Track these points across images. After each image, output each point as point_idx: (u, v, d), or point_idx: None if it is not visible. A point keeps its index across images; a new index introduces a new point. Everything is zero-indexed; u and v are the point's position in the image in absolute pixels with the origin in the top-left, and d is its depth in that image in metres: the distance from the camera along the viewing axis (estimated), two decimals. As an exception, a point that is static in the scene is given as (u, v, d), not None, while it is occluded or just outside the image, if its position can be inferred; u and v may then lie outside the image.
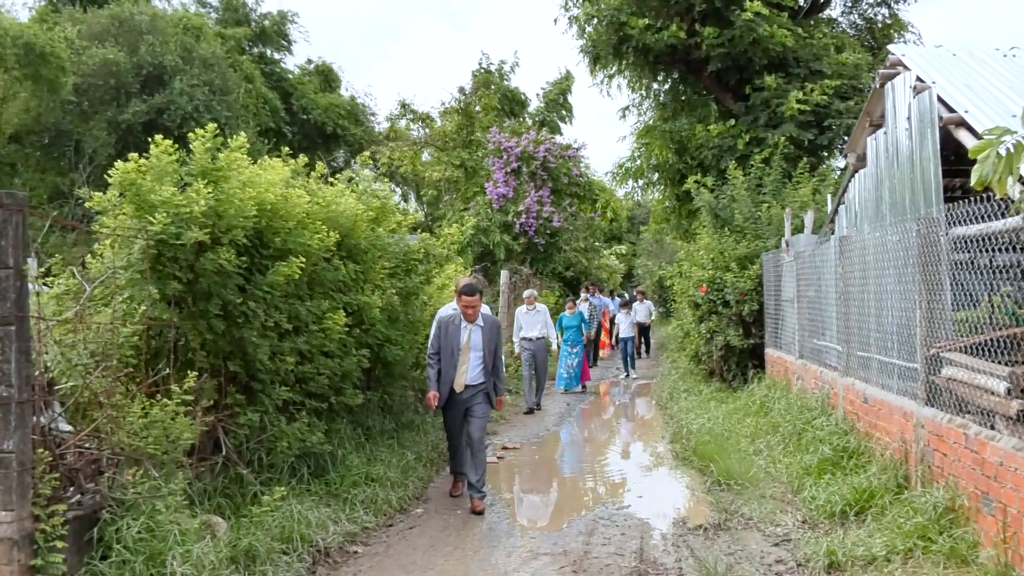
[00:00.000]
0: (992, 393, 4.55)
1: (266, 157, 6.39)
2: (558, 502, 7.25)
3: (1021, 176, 3.23)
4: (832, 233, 9.30)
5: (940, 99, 6.59)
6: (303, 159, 6.98)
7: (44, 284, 5.24)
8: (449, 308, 8.00)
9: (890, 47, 8.78)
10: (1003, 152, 3.19)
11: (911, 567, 4.56)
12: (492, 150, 20.33)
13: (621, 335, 16.83)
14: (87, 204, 5.19)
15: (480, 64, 24.86)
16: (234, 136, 5.85)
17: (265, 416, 5.70)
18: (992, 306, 5.08)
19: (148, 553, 4.08)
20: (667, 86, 20.50)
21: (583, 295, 16.91)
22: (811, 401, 8.51)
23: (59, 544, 3.78)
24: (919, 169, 6.89)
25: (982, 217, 4.81)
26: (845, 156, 10.53)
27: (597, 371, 18.19)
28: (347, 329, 6.56)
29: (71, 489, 4.20)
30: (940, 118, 6.46)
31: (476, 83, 23.66)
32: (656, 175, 21.00)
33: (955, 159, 6.84)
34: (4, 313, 3.77)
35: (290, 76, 33.05)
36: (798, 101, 15.85)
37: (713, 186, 14.32)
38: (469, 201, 20.81)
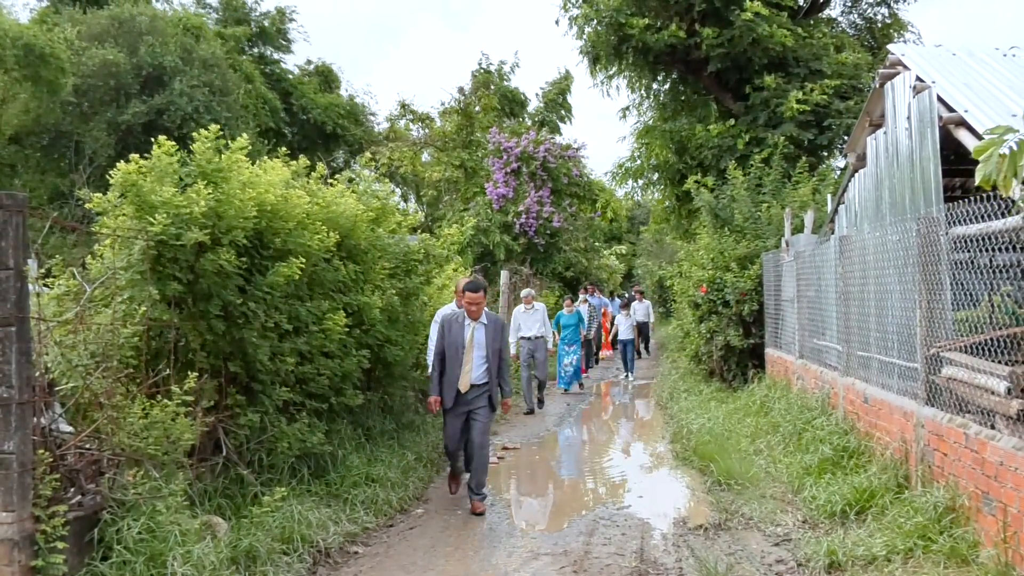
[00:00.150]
0: (992, 393, 4.55)
1: (265, 158, 6.39)
2: (558, 502, 7.26)
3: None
4: (832, 233, 9.30)
5: (940, 99, 6.59)
6: (303, 160, 6.98)
7: (44, 285, 5.24)
8: (448, 309, 8.00)
9: (890, 47, 8.78)
10: (1005, 151, 3.19)
11: (911, 567, 4.56)
12: (492, 150, 20.33)
13: (620, 336, 16.79)
14: (87, 205, 5.19)
15: (480, 64, 24.87)
16: (234, 137, 5.85)
17: (265, 417, 5.70)
18: (992, 306, 5.08)
19: (149, 554, 4.08)
20: (667, 86, 20.49)
21: (581, 296, 16.84)
22: (811, 401, 8.51)
23: (60, 545, 3.78)
24: (919, 169, 6.89)
25: (982, 217, 4.81)
26: (845, 156, 10.53)
27: (597, 371, 18.21)
28: (347, 330, 6.56)
29: (72, 490, 4.20)
30: (940, 118, 6.46)
31: (476, 83, 23.66)
32: (656, 175, 20.99)
33: (955, 159, 6.84)
34: (4, 314, 3.77)
35: (290, 76, 33.06)
36: (798, 101, 15.86)
37: (713, 186, 14.32)
38: (469, 201, 20.81)
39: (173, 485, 4.50)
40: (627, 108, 21.70)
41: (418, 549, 5.62)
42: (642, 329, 21.22)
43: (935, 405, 5.53)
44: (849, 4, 20.39)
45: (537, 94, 26.72)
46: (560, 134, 25.24)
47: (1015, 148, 3.11)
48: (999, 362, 4.65)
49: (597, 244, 24.64)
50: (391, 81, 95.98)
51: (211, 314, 5.24)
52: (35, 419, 4.04)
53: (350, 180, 8.34)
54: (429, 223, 21.65)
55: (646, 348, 21.52)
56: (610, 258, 30.43)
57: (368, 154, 24.24)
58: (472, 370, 6.56)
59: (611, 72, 19.57)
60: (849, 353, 7.69)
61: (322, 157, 27.12)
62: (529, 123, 24.53)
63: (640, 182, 21.80)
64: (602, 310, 19.43)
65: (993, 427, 4.67)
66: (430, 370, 6.89)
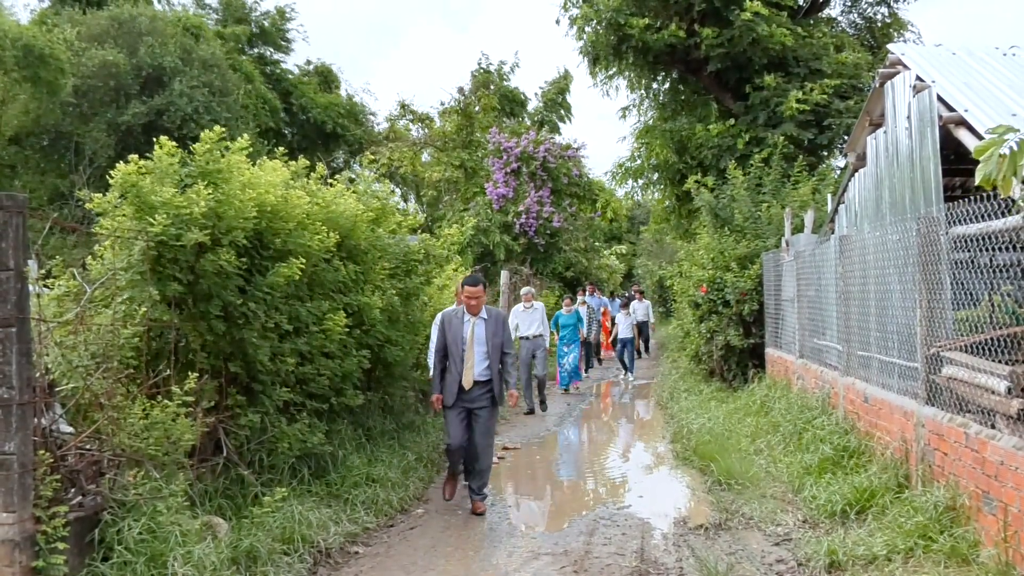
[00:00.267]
0: (992, 392, 4.55)
1: (265, 158, 6.39)
2: (559, 502, 7.26)
3: None
4: (832, 232, 9.30)
5: (940, 98, 6.59)
6: (303, 161, 6.98)
7: (45, 286, 5.24)
8: (449, 311, 7.99)
9: (890, 46, 8.78)
10: (1006, 151, 3.18)
11: (912, 566, 4.56)
12: (492, 150, 20.34)
13: (620, 335, 16.77)
14: (87, 206, 5.19)
15: (479, 64, 24.88)
16: (234, 137, 5.86)
17: (266, 417, 5.70)
18: (992, 305, 5.08)
19: (149, 554, 4.08)
20: (667, 86, 20.48)
21: (580, 297, 16.74)
22: (811, 401, 8.51)
23: (60, 545, 3.79)
24: (919, 168, 6.89)
25: (982, 216, 4.81)
26: (845, 155, 10.53)
27: (597, 371, 18.21)
28: (347, 330, 6.56)
29: (72, 491, 4.20)
30: (940, 117, 6.46)
31: (475, 83, 23.67)
32: (656, 175, 20.99)
33: (955, 158, 6.84)
34: (5, 315, 3.78)
35: (290, 76, 33.07)
36: (798, 100, 15.85)
37: (713, 186, 14.32)
38: (469, 201, 20.81)
39: (174, 485, 4.51)
40: (627, 108, 21.71)
41: (419, 549, 5.62)
42: (642, 329, 21.20)
43: (935, 405, 5.53)
44: (849, 4, 20.39)
45: (536, 94, 26.77)
46: (559, 134, 25.26)
47: (1015, 148, 3.11)
48: (999, 361, 4.65)
49: (597, 244, 24.64)
50: (391, 81, 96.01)
51: (211, 314, 5.24)
52: (36, 420, 4.04)
53: (350, 180, 8.34)
54: (429, 223, 21.63)
55: (646, 348, 21.52)
56: (610, 258, 30.41)
57: (368, 154, 24.22)
58: (475, 366, 6.47)
59: (611, 72, 19.56)
60: (849, 353, 7.69)
61: (322, 157, 27.14)
62: (528, 123, 24.53)
63: (640, 182, 21.80)
64: (602, 310, 19.42)
65: (993, 426, 4.67)
66: (431, 370, 6.82)
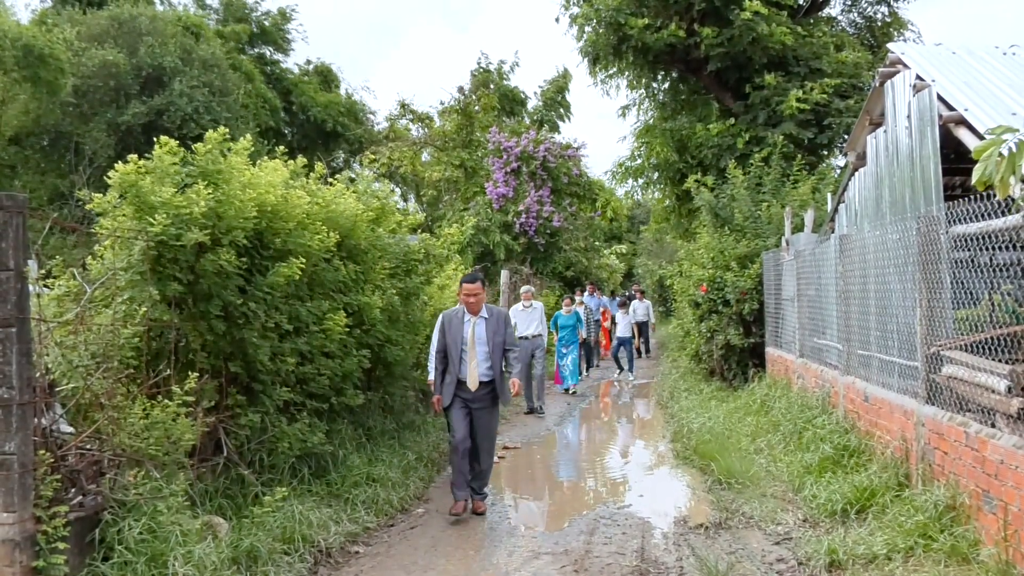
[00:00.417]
0: (993, 391, 4.55)
1: (265, 158, 6.39)
2: (559, 501, 7.26)
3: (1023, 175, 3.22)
4: (832, 232, 9.30)
5: (940, 97, 6.58)
6: (302, 160, 6.97)
7: (45, 286, 5.24)
8: (451, 310, 7.97)
9: (890, 45, 8.77)
10: (1005, 151, 3.18)
11: (912, 565, 4.56)
12: (492, 150, 20.34)
13: (618, 334, 16.73)
14: (87, 206, 5.19)
15: (479, 63, 24.89)
16: (235, 137, 5.86)
17: (266, 417, 5.70)
18: (992, 304, 5.08)
19: (150, 554, 4.09)
20: (666, 85, 20.50)
21: (578, 298, 16.60)
22: (812, 400, 8.51)
23: (61, 545, 3.79)
24: (919, 167, 6.89)
25: (982, 215, 4.81)
26: (845, 155, 10.53)
27: (597, 371, 18.20)
28: (347, 330, 6.56)
29: (72, 490, 4.20)
30: (940, 116, 6.46)
31: (475, 83, 23.67)
32: (656, 174, 20.99)
33: (955, 157, 6.84)
34: (5, 315, 3.78)
35: (290, 76, 33.08)
36: (798, 100, 15.85)
37: (713, 185, 14.31)
38: (469, 201, 20.82)
39: (174, 485, 4.51)
40: (627, 107, 21.73)
41: (419, 548, 5.62)
42: (642, 329, 21.18)
43: (935, 404, 5.53)
44: (849, 3, 20.39)
45: (536, 92, 26.76)
46: (559, 132, 25.28)
47: (1014, 149, 3.11)
48: (999, 360, 4.65)
49: (597, 243, 24.65)
50: (391, 81, 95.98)
51: (211, 314, 5.24)
52: (36, 420, 4.04)
53: (350, 180, 8.34)
54: (429, 223, 21.65)
55: (646, 349, 21.48)
56: (610, 257, 30.43)
57: (368, 154, 24.23)
58: (478, 366, 6.36)
59: (611, 72, 19.57)
60: (849, 352, 7.69)
61: (322, 157, 27.13)
62: (528, 122, 24.54)
63: (640, 181, 21.81)
64: (602, 311, 19.38)
65: (993, 425, 4.68)
66: (431, 373, 6.70)
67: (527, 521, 6.45)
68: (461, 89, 23.21)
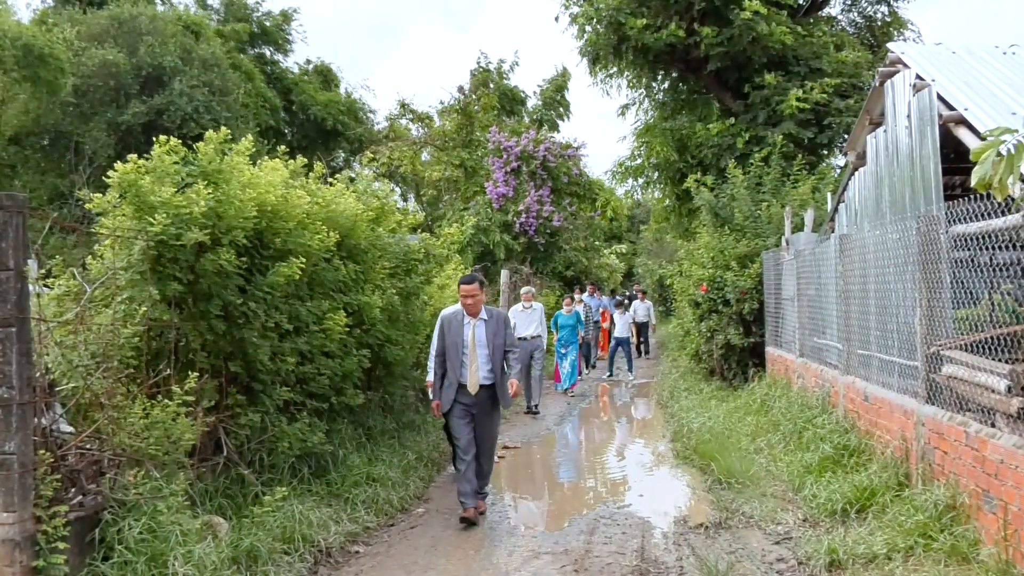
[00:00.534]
0: (992, 391, 4.55)
1: (266, 157, 6.39)
2: (559, 501, 7.26)
3: (1022, 174, 3.22)
4: (832, 231, 9.30)
5: (940, 97, 6.58)
6: (301, 160, 6.97)
7: (45, 285, 5.24)
8: (451, 309, 7.95)
9: (890, 45, 8.77)
10: (1004, 151, 3.18)
11: (912, 565, 4.56)
12: (492, 150, 20.33)
13: (616, 334, 16.66)
14: (87, 205, 5.19)
15: (478, 63, 24.88)
16: (235, 137, 5.86)
17: (266, 416, 5.70)
18: (992, 304, 5.08)
19: (150, 554, 4.09)
20: (666, 85, 20.49)
21: (578, 296, 16.53)
22: (812, 399, 8.51)
23: (61, 545, 3.79)
24: (919, 167, 6.89)
25: (982, 215, 4.81)
26: (845, 154, 10.53)
27: (596, 371, 18.18)
28: (347, 329, 6.56)
29: (72, 490, 4.20)
30: (940, 116, 6.46)
31: (475, 82, 23.66)
32: (656, 174, 20.99)
33: (955, 157, 6.84)
34: (5, 315, 3.78)
35: (290, 75, 33.09)
36: (798, 99, 15.85)
37: (713, 185, 14.31)
38: (469, 201, 20.81)
39: (174, 485, 4.51)
40: (626, 106, 21.72)
41: (419, 548, 5.62)
42: (642, 329, 21.17)
43: (935, 403, 5.53)
44: (849, 2, 20.39)
45: (535, 92, 26.76)
46: (558, 131, 25.28)
47: (1012, 150, 3.11)
48: (999, 360, 4.65)
49: (597, 243, 24.64)
50: (391, 81, 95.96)
51: (211, 314, 5.24)
52: (36, 420, 4.04)
53: (350, 180, 8.34)
54: (429, 222, 21.65)
55: (646, 349, 21.45)
56: (610, 257, 30.43)
57: (368, 153, 24.23)
58: (478, 369, 6.25)
59: (611, 72, 19.57)
60: (849, 351, 7.69)
61: (322, 156, 27.12)
62: (527, 121, 24.53)
63: (640, 181, 21.81)
64: (601, 311, 19.34)
65: (993, 425, 4.68)
66: (430, 374, 6.63)
67: (527, 521, 6.45)
68: (461, 89, 23.22)
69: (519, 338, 11.33)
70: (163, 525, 4.22)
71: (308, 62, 35.78)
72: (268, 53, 33.21)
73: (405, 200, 30.78)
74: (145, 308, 5.02)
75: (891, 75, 7.68)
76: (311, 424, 6.11)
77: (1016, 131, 3.18)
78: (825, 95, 15.87)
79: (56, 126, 22.54)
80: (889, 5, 20.03)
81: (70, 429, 4.53)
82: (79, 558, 3.98)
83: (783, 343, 10.65)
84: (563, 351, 13.90)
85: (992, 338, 4.82)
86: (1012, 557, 4.21)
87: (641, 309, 20.76)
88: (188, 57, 23.94)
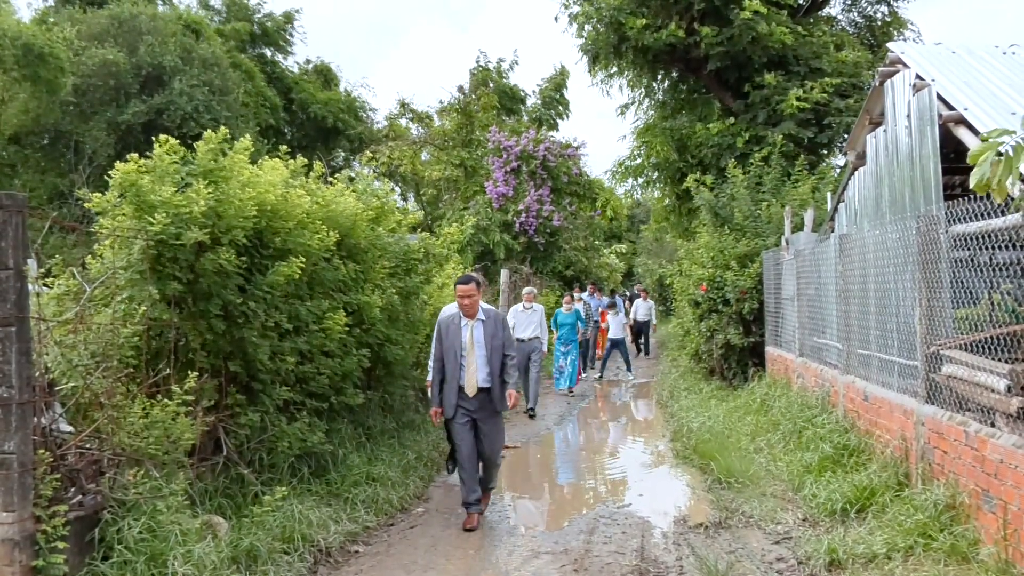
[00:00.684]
0: (992, 390, 4.55)
1: (266, 157, 6.39)
2: (559, 501, 7.26)
3: (1022, 174, 3.22)
4: (832, 231, 9.30)
5: (940, 97, 6.58)
6: (301, 159, 6.97)
7: (44, 285, 5.24)
8: (449, 309, 7.94)
9: (889, 45, 8.77)
10: (1004, 152, 3.18)
11: (912, 564, 4.56)
12: (492, 149, 20.33)
13: (610, 336, 16.60)
14: (87, 205, 5.19)
15: (478, 62, 24.88)
16: (235, 136, 5.86)
17: (266, 416, 5.70)
18: (992, 304, 5.08)
19: (149, 553, 4.09)
20: (666, 84, 20.50)
21: (577, 295, 16.43)
22: (811, 399, 8.51)
23: (60, 545, 3.78)
24: (919, 167, 6.89)
25: (982, 215, 4.81)
26: (845, 154, 10.53)
27: (593, 371, 18.14)
28: (347, 329, 6.56)
29: (72, 490, 4.20)
30: (940, 116, 6.46)
31: (475, 82, 23.66)
32: (656, 173, 20.99)
33: (955, 157, 6.83)
34: (4, 314, 3.78)
35: (290, 74, 33.10)
36: (798, 99, 15.85)
37: (713, 184, 14.31)
38: (469, 200, 20.81)
39: (173, 485, 4.51)
40: (626, 106, 21.73)
41: (419, 548, 5.62)
42: (643, 329, 21.15)
43: (935, 403, 5.53)
44: (849, 2, 20.39)
45: (533, 91, 26.74)
46: (557, 130, 25.28)
47: (1011, 152, 3.10)
48: (999, 360, 4.65)
49: (597, 243, 24.63)
50: (391, 81, 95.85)
51: (211, 314, 5.24)
52: (35, 419, 4.04)
53: (350, 179, 8.34)
54: (429, 222, 21.66)
55: (646, 349, 21.43)
56: (610, 257, 30.42)
57: (368, 153, 24.23)
58: (477, 371, 6.11)
59: (611, 71, 19.57)
60: (849, 351, 7.69)
61: (322, 156, 27.13)
62: (527, 120, 24.53)
63: (640, 180, 21.81)
64: (601, 311, 19.30)
65: (993, 425, 4.68)
66: (430, 374, 6.52)
67: (527, 520, 6.45)
68: (461, 88, 23.22)
69: (517, 339, 11.12)
70: (163, 525, 4.22)
71: (308, 62, 35.85)
72: (268, 53, 33.23)
73: (405, 200, 30.79)
74: (145, 307, 5.02)
75: (891, 75, 7.68)
76: (311, 424, 6.11)
77: (1014, 132, 3.17)
78: (825, 95, 15.87)
79: (56, 125, 22.54)
80: (889, 5, 20.04)
81: (70, 429, 4.53)
82: (78, 558, 3.98)
83: (783, 343, 10.66)
84: (563, 349, 13.81)
85: (992, 338, 4.82)
86: (1012, 557, 4.21)
87: (642, 308, 20.74)
88: (188, 56, 23.94)
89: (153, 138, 5.47)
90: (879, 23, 20.11)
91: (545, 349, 12.21)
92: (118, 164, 5.07)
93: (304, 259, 5.84)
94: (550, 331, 13.57)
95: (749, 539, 5.56)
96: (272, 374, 5.78)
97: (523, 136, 19.95)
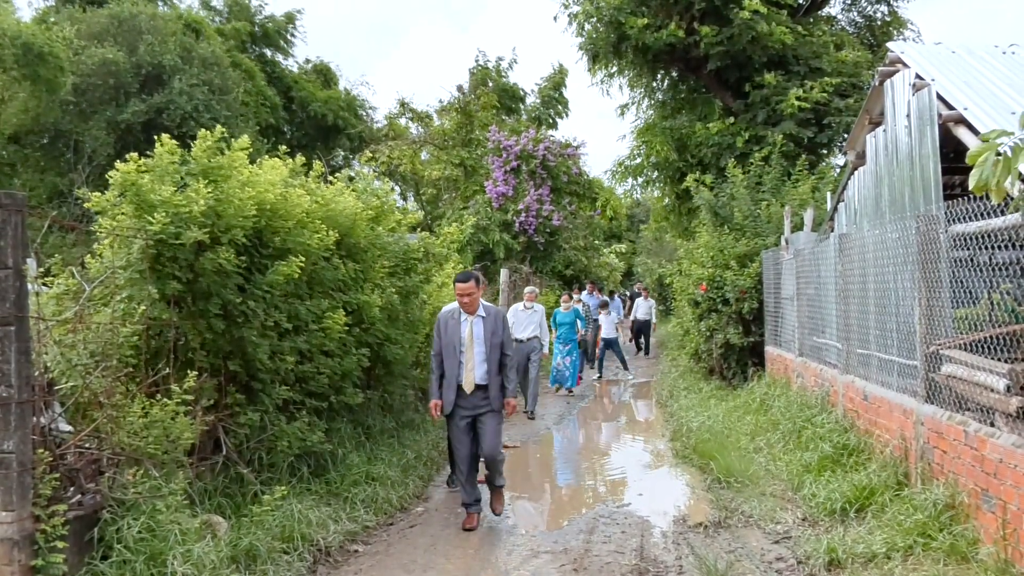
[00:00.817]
0: (992, 390, 4.55)
1: (265, 156, 6.39)
2: (558, 500, 7.26)
3: (1021, 174, 3.22)
4: (831, 231, 9.30)
5: (939, 96, 6.59)
6: (301, 158, 6.97)
7: (44, 284, 5.23)
8: (450, 307, 7.92)
9: (889, 45, 8.77)
10: (1003, 153, 3.17)
11: (911, 564, 4.56)
12: (491, 149, 20.33)
13: (603, 336, 16.57)
14: (86, 204, 5.19)
15: (477, 61, 24.87)
16: (235, 135, 5.86)
17: (265, 415, 5.70)
18: (991, 303, 5.08)
19: (149, 553, 4.08)
20: (666, 84, 20.51)
21: (576, 296, 16.33)
22: (811, 399, 8.52)
23: (60, 544, 3.78)
24: (918, 167, 6.89)
25: (981, 214, 4.81)
26: (844, 154, 10.53)
27: (592, 372, 18.14)
28: (347, 328, 6.56)
29: (71, 489, 4.20)
30: (939, 115, 6.46)
31: (474, 81, 23.65)
32: (656, 173, 21.00)
33: (954, 156, 6.84)
34: (4, 313, 3.77)
35: (289, 73, 33.11)
36: (798, 99, 15.86)
37: (712, 184, 14.31)
38: (468, 200, 20.81)
39: (173, 484, 4.50)
40: (626, 105, 21.75)
41: (418, 547, 5.62)
42: (643, 328, 21.15)
43: (935, 403, 5.53)
44: (848, 2, 20.41)
45: (532, 90, 26.72)
46: (556, 128, 25.26)
47: (1009, 153, 3.10)
48: (998, 360, 4.65)
49: (597, 242, 24.63)
50: (392, 80, 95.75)
51: (211, 313, 5.24)
52: (35, 418, 4.04)
53: (349, 179, 8.34)
54: (428, 221, 21.66)
55: (646, 348, 21.42)
56: (610, 256, 30.42)
57: (368, 152, 24.23)
58: (475, 368, 6.03)
59: (611, 71, 19.57)
60: (849, 351, 7.69)
61: (322, 155, 27.14)
62: (526, 119, 24.52)
63: (640, 180, 21.81)
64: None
65: (992, 424, 4.68)
66: (432, 372, 6.40)
67: (526, 520, 6.46)
68: (460, 88, 23.21)
69: (516, 340, 10.86)
70: (162, 524, 4.22)
71: (307, 61, 35.85)
72: (269, 54, 33.24)
73: (404, 199, 30.78)
74: (144, 307, 5.02)
75: (891, 74, 7.68)
76: (310, 423, 6.11)
77: (1012, 134, 3.17)
78: (825, 94, 15.88)
79: (55, 125, 22.54)
80: (889, 5, 20.06)
81: (69, 428, 4.53)
82: (78, 557, 3.98)
83: (782, 342, 10.66)
84: (562, 348, 13.74)
85: (991, 337, 4.82)
86: (1011, 556, 4.21)
87: (643, 307, 20.73)
88: (188, 56, 23.93)
89: (153, 137, 5.48)
90: (879, 23, 20.13)
91: (546, 350, 12.16)
92: (118, 163, 5.07)
93: (304, 258, 5.84)
94: (550, 330, 13.52)
95: (748, 538, 5.56)
96: (271, 373, 5.78)
97: (523, 135, 19.95)
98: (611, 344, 16.48)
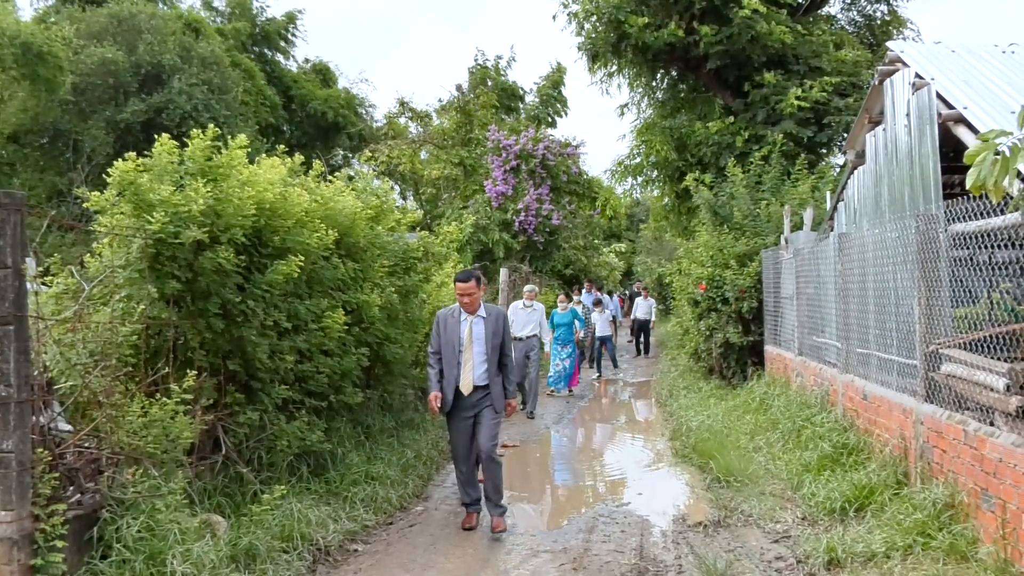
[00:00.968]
0: (991, 389, 4.55)
1: (264, 156, 6.38)
2: (558, 500, 7.26)
3: (1020, 174, 3.22)
4: (831, 230, 9.30)
5: (939, 95, 6.58)
6: (300, 157, 6.96)
7: (43, 283, 5.23)
8: (447, 308, 7.90)
9: (889, 44, 8.77)
10: (1001, 152, 3.17)
11: (911, 563, 4.56)
12: (491, 148, 20.32)
13: (597, 334, 16.57)
14: (85, 204, 5.19)
15: (476, 60, 24.86)
16: (234, 135, 5.85)
17: (265, 415, 5.70)
18: (991, 303, 5.08)
19: (148, 552, 4.08)
20: (666, 83, 20.51)
21: (575, 297, 16.30)
22: (810, 398, 8.52)
23: (59, 544, 3.78)
24: (918, 166, 6.89)
25: (981, 214, 4.81)
26: (844, 153, 10.54)
27: (589, 372, 18.14)
28: (346, 328, 6.55)
29: (71, 489, 4.20)
30: (939, 114, 6.46)
31: (474, 80, 23.64)
32: (655, 172, 21.01)
33: (954, 156, 6.83)
34: (3, 313, 3.77)
35: (289, 72, 33.11)
36: (797, 98, 15.86)
37: (712, 183, 14.31)
38: (468, 199, 20.80)
39: (172, 483, 4.50)
40: (626, 105, 21.76)
41: (418, 547, 5.62)
42: (643, 327, 21.14)
43: (934, 402, 5.53)
44: (848, 1, 20.43)
45: (531, 89, 26.71)
46: (555, 128, 25.26)
47: (1007, 152, 3.10)
48: (998, 359, 4.65)
49: (596, 242, 24.63)
50: (392, 80, 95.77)
51: (210, 312, 5.24)
52: (34, 418, 4.04)
53: (349, 178, 8.34)
54: (428, 221, 21.64)
55: (646, 348, 21.41)
56: (609, 256, 30.43)
57: (367, 151, 24.23)
58: (473, 368, 5.94)
59: (611, 70, 19.57)
60: (848, 350, 7.69)
61: (321, 154, 27.13)
62: (524, 118, 24.51)
63: (639, 179, 21.82)
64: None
65: (992, 424, 4.68)
66: (428, 369, 6.30)
67: (526, 519, 6.45)
68: (459, 87, 23.21)
69: (515, 338, 10.86)
70: (161, 523, 4.22)
71: (307, 61, 35.85)
72: (269, 54, 33.24)
73: (404, 198, 30.77)
74: (143, 306, 5.02)
75: (890, 74, 7.68)
76: (310, 422, 6.10)
77: (1011, 134, 3.17)
78: (824, 94, 15.88)
79: (55, 124, 22.53)
80: (888, 4, 20.08)
81: (68, 427, 4.52)
82: (77, 556, 3.98)
83: (782, 342, 10.66)
84: (560, 349, 13.70)
85: (991, 337, 4.82)
86: (1010, 555, 4.21)
87: (643, 307, 20.72)
88: (187, 55, 23.93)
89: (152, 137, 5.48)
90: (878, 22, 20.14)
91: (547, 349, 12.15)
92: (117, 163, 5.06)
93: (303, 258, 5.83)
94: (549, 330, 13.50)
95: (748, 538, 5.56)
96: (271, 373, 5.78)
97: (522, 135, 19.94)
98: (605, 341, 16.49)
